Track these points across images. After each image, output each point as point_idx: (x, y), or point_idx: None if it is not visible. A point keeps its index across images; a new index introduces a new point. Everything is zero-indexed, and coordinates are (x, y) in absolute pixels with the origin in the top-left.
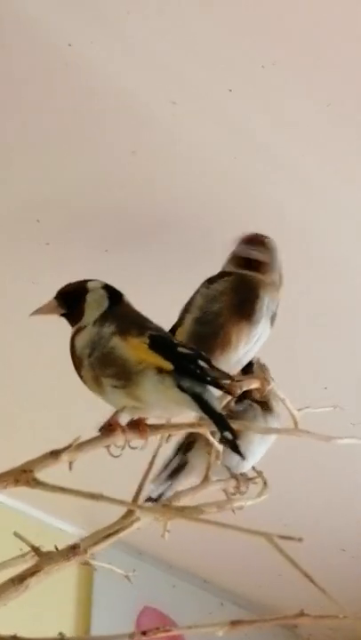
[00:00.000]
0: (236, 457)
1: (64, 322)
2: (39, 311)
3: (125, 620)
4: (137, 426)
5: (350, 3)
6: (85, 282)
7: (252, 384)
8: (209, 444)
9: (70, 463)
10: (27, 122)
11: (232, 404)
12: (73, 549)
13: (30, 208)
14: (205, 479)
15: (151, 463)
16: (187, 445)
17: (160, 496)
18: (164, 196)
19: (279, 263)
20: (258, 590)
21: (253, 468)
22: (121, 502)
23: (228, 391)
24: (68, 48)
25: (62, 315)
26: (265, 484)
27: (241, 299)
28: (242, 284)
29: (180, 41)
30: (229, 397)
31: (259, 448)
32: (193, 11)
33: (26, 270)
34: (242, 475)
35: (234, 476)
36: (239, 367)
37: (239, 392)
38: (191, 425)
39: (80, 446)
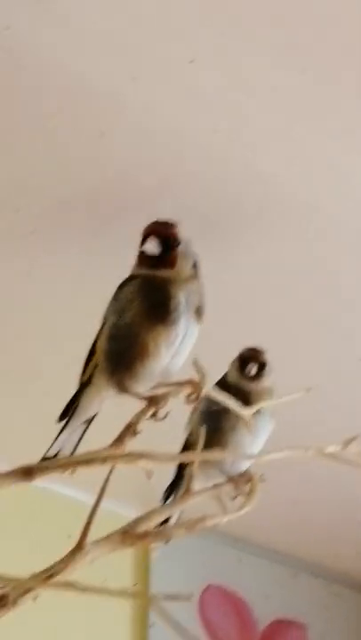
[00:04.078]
0: (228, 460)
1: None
2: None
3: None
4: None
5: None
6: None
7: (183, 390)
8: None
9: None
10: None
11: (160, 414)
12: (0, 600)
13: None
14: (186, 492)
15: (99, 498)
16: (184, 465)
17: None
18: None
19: (189, 250)
20: (335, 559)
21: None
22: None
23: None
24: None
25: None
26: (251, 492)
27: (151, 302)
28: (149, 287)
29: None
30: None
31: (251, 448)
32: None
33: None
34: (239, 475)
35: (230, 479)
36: (169, 375)
37: (164, 404)
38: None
39: None
